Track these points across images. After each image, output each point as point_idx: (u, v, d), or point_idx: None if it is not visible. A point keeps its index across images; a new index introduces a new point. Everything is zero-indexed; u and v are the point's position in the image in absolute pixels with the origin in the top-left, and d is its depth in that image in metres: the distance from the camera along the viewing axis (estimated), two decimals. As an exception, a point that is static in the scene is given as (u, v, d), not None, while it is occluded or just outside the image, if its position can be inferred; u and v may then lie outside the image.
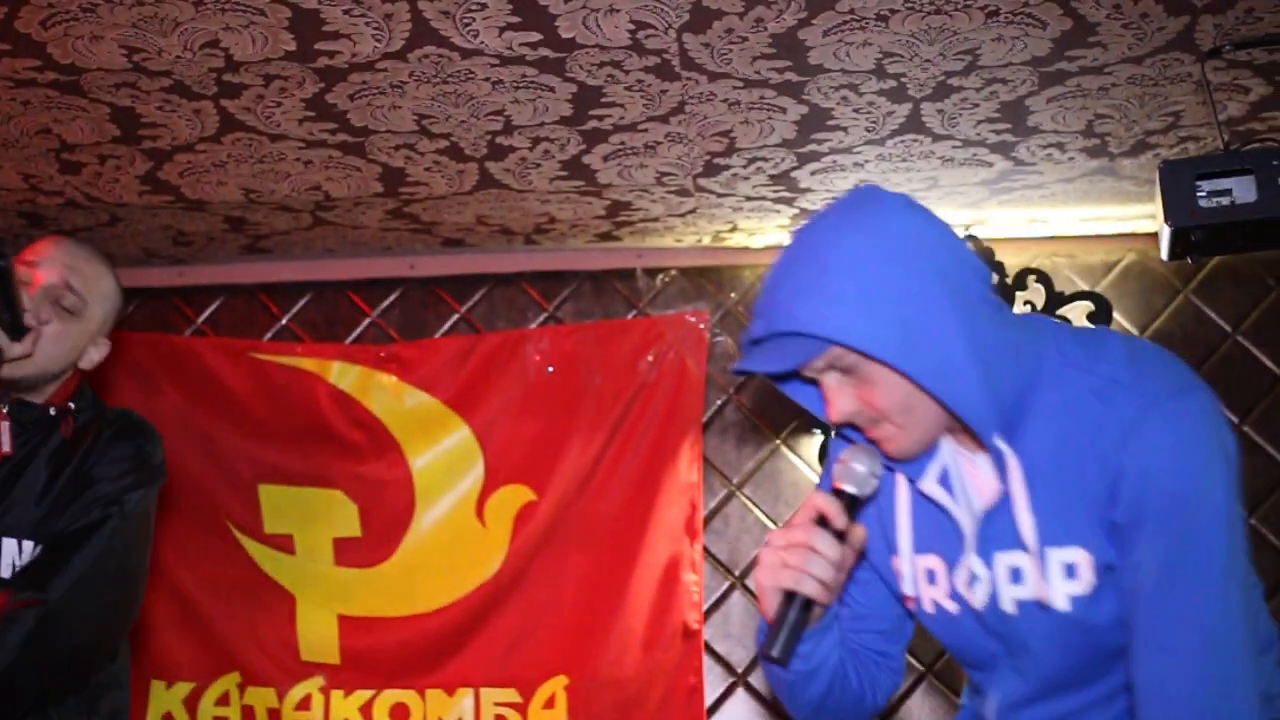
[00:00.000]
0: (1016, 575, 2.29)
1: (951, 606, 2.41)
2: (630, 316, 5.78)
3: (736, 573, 5.62)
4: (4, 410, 3.10)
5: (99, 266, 3.29)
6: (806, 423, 5.64)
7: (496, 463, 5.62)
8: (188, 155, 4.56)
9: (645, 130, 4.42)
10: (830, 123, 4.38)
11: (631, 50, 3.84)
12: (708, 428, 5.67)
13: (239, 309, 5.93)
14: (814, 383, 2.31)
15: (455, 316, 5.82)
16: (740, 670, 5.55)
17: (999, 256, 5.23)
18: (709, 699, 5.49)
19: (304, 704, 5.52)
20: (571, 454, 5.57)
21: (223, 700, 5.55)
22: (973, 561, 2.34)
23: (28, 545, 3.03)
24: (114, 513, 3.07)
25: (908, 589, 2.48)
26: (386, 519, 5.62)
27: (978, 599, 2.35)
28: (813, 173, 4.81)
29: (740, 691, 5.55)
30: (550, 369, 5.64)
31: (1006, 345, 2.19)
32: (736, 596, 5.61)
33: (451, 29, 3.67)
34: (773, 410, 5.72)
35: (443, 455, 5.65)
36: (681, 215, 5.30)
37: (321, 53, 3.80)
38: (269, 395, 5.74)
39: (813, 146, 4.57)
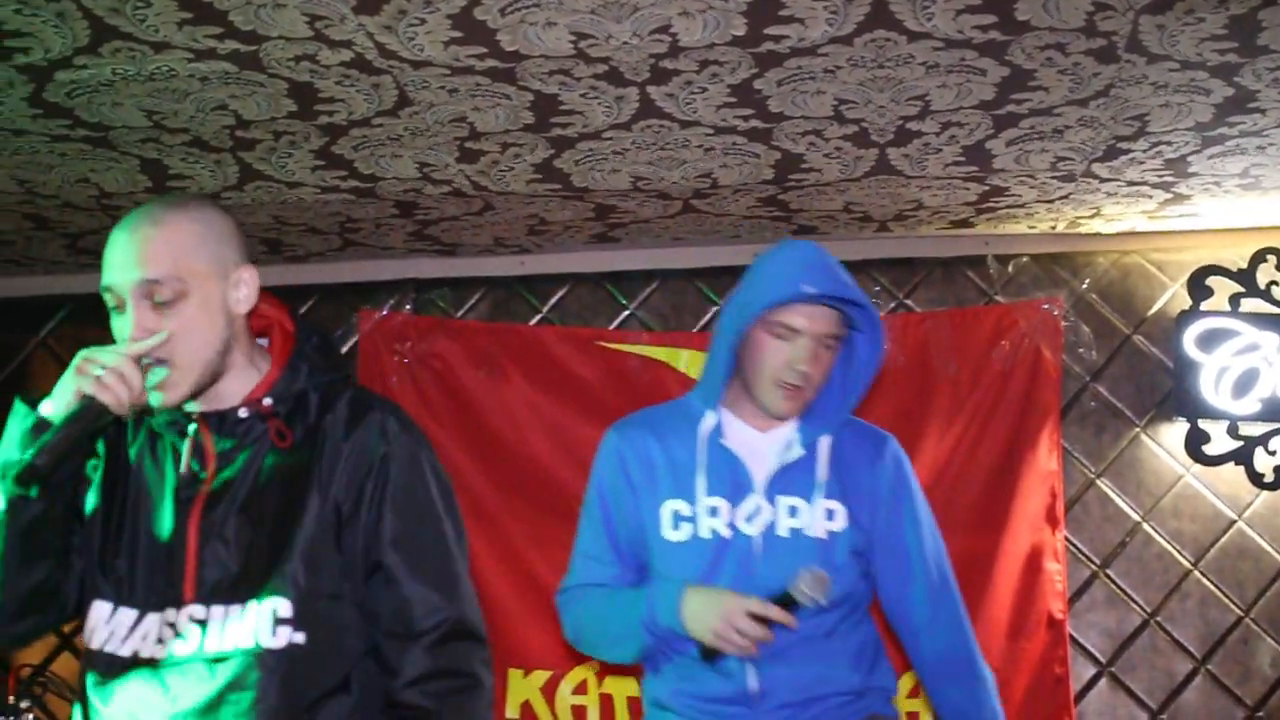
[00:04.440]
0: (793, 511, 3.24)
1: (725, 533, 3.23)
2: (982, 304, 5.70)
3: (1099, 562, 5.53)
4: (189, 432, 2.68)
5: (169, 224, 2.61)
6: (1168, 410, 5.55)
7: (851, 451, 5.58)
8: (590, 143, 4.56)
9: (1059, 114, 4.35)
10: (1252, 105, 4.29)
11: (1081, 33, 3.77)
12: (1064, 415, 5.59)
13: (584, 297, 5.96)
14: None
15: (803, 304, 5.77)
16: (1105, 660, 5.47)
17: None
18: (1074, 688, 5.40)
19: (581, 689, 5.56)
20: (928, 443, 5.53)
21: (580, 689, 5.58)
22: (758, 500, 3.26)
23: (263, 606, 2.59)
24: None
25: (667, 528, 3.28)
26: (743, 505, 5.60)
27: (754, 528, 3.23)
28: (1210, 156, 4.72)
29: (1105, 681, 5.47)
30: (902, 357, 5.58)
31: None
32: (1099, 586, 5.53)
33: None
34: (1131, 398, 5.64)
35: (796, 442, 5.61)
36: (1050, 201, 5.24)
37: (769, 38, 3.78)
38: (618, 384, 5.76)
39: (1223, 130, 4.48)
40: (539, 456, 5.64)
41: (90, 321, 5.94)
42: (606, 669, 5.51)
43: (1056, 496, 5.45)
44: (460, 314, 5.94)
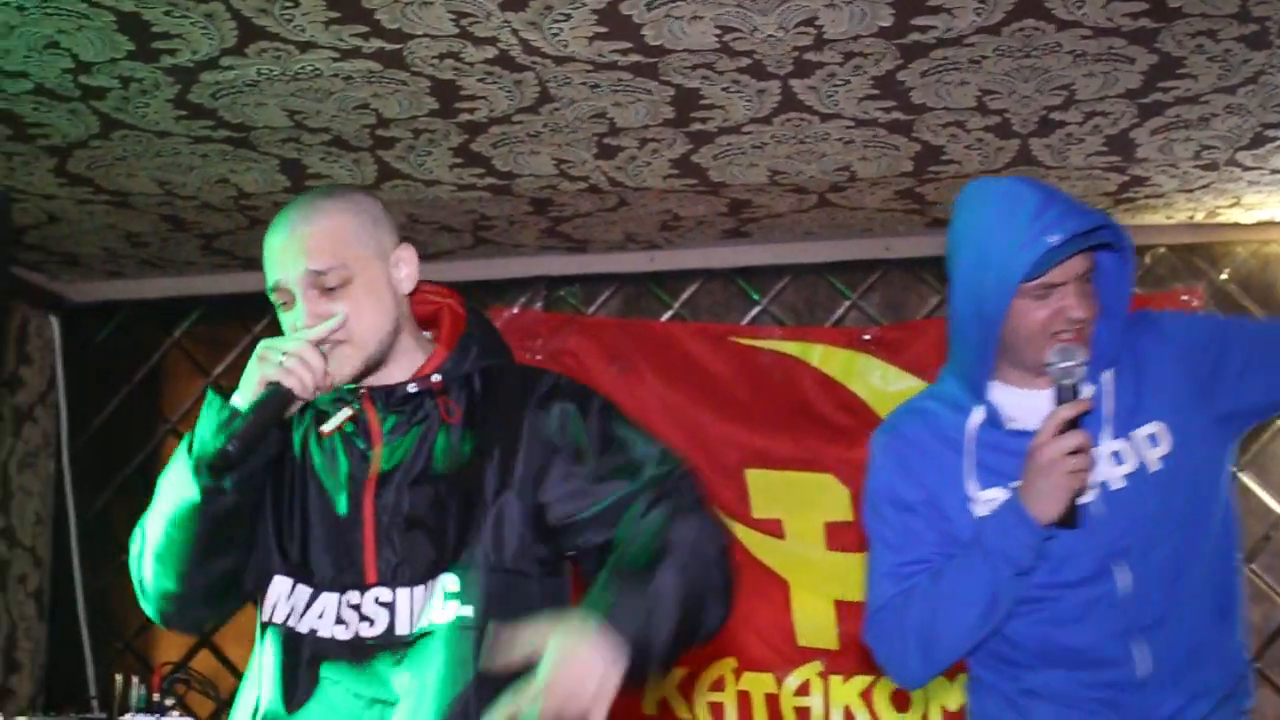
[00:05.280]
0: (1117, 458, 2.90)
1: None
2: (1119, 296, 5.63)
3: (1242, 556, 5.43)
4: (355, 412, 2.68)
5: (325, 214, 2.62)
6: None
7: (988, 445, 5.53)
8: (729, 137, 4.55)
9: (1206, 102, 4.29)
10: None
11: (1233, 19, 3.72)
12: (1205, 409, 5.50)
13: (715, 293, 5.94)
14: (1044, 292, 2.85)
15: (938, 299, 5.74)
16: (1251, 655, 5.35)
17: None
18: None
19: (803, 689, 5.50)
20: (1067, 436, 5.45)
21: (717, 685, 5.57)
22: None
23: (440, 584, 2.57)
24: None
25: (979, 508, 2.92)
26: (878, 503, 5.56)
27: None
28: (1364, 142, 4.65)
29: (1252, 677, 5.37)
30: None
31: None
32: (1243, 581, 5.41)
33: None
34: (1272, 391, 5.54)
35: (933, 438, 5.57)
36: (1191, 190, 5.17)
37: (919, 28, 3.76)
38: (752, 379, 5.74)
39: (1381, 117, 4.41)
40: None
41: (223, 322, 6.06)
42: (745, 665, 5.50)
43: (1197, 489, 5.36)
44: (591, 311, 5.95)
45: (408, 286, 2.69)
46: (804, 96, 4.23)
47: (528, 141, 4.58)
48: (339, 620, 2.58)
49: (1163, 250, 5.67)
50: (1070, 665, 2.94)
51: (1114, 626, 2.89)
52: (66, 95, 4.17)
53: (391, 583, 2.58)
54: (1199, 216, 5.52)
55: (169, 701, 5.02)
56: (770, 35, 3.80)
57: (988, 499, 2.91)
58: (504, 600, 2.57)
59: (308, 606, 2.62)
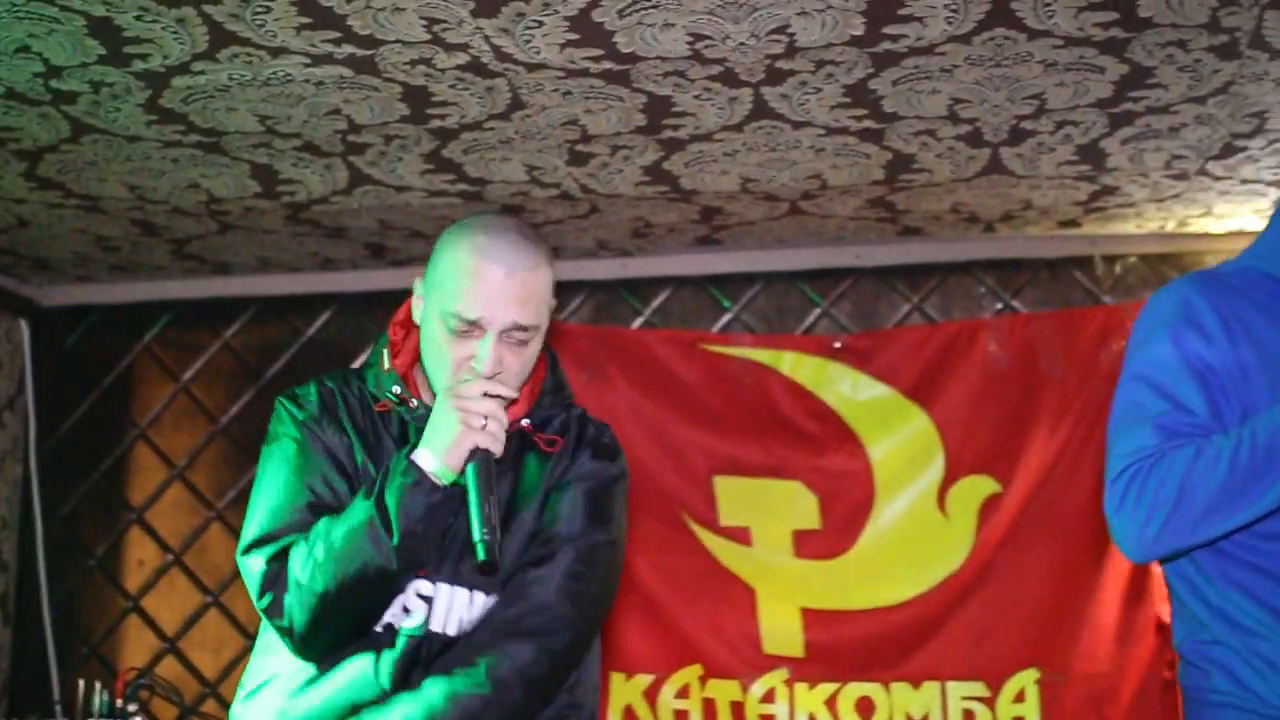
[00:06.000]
0: None
1: None
2: (1089, 305, 5.65)
3: (1208, 566, 5.46)
4: None
5: (541, 270, 2.74)
6: (1276, 413, 5.47)
7: (957, 453, 5.55)
8: (700, 144, 4.56)
9: (1177, 112, 4.31)
10: (1378, 103, 4.24)
11: (1204, 29, 3.74)
12: (1172, 418, 5.52)
13: (686, 300, 5.95)
14: None
15: (908, 307, 5.75)
16: (1216, 666, 5.39)
17: None
18: (1184, 694, 5.33)
19: (768, 697, 5.50)
20: (1035, 445, 5.48)
21: (683, 693, 5.56)
22: None
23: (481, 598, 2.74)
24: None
25: None
26: (846, 510, 5.59)
27: None
28: (1335, 154, 4.68)
29: (1215, 688, 5.38)
30: (1008, 359, 5.54)
31: None
32: (1209, 590, 5.45)
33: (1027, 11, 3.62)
34: (1240, 400, 5.56)
35: (902, 446, 5.60)
36: (1161, 200, 5.19)
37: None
38: (722, 387, 5.74)
39: (1346, 127, 4.43)
40: (642, 459, 5.61)
41: (194, 327, 6.05)
42: (710, 672, 5.50)
43: (1166, 499, 5.37)
44: (562, 317, 5.94)
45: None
46: (775, 104, 4.23)
47: (499, 148, 4.58)
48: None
49: (1133, 259, 5.69)
50: None
51: None
52: (37, 99, 4.15)
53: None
54: (1170, 226, 5.55)
55: (132, 707, 5.02)
56: (742, 43, 3.80)
57: None
58: None
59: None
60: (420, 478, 2.56)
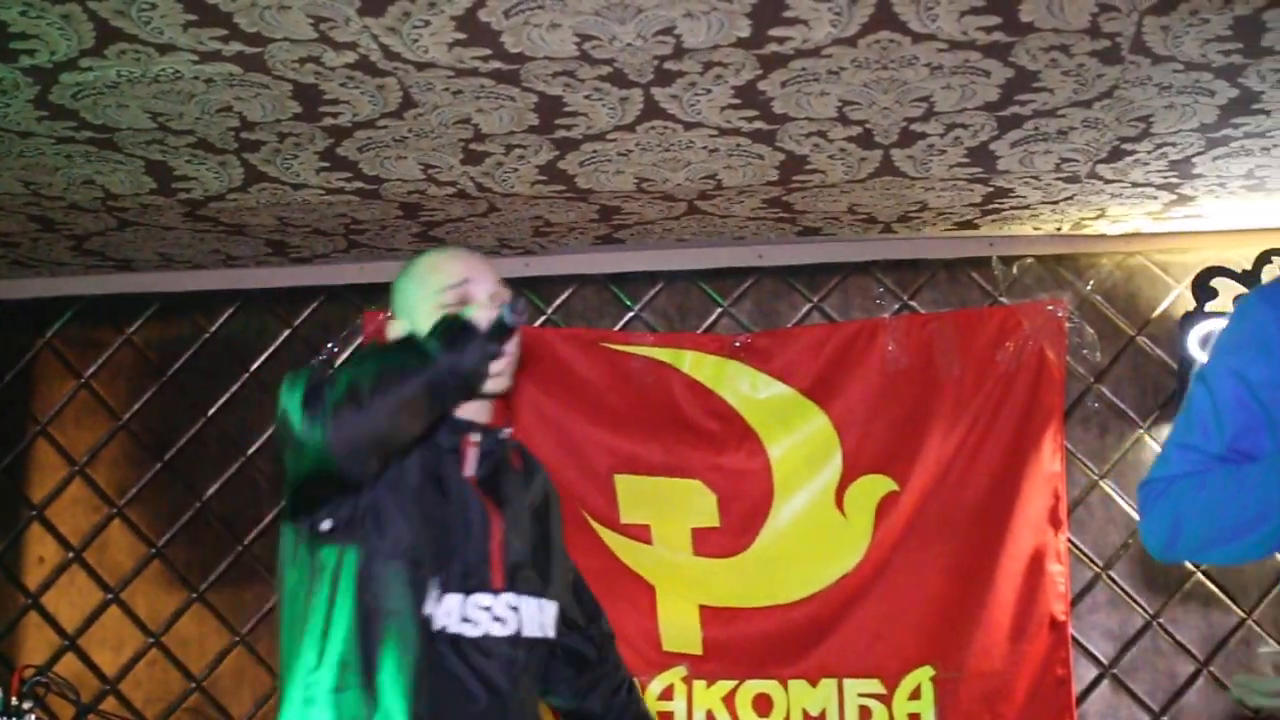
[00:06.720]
0: None
1: None
2: (986, 306, 5.71)
3: (1101, 564, 5.53)
4: (472, 438, 2.94)
5: None
6: (1171, 412, 5.55)
7: (855, 452, 5.59)
8: (594, 144, 4.58)
9: (1064, 116, 4.36)
10: (1256, 107, 4.29)
11: (1085, 34, 3.79)
12: (1068, 417, 5.59)
13: (589, 298, 5.96)
14: None
15: (808, 306, 5.79)
16: (1107, 662, 5.47)
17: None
18: (1076, 690, 5.40)
19: (666, 694, 5.51)
20: (932, 444, 5.52)
21: (666, 694, 5.56)
22: None
23: (549, 606, 3.02)
24: None
25: None
26: (745, 509, 5.61)
27: None
28: (1215, 158, 4.73)
29: (1107, 683, 5.46)
30: (906, 358, 5.58)
31: None
32: (1101, 588, 5.52)
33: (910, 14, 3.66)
34: (1135, 399, 5.64)
35: (801, 445, 5.62)
36: (1055, 202, 5.24)
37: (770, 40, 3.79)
38: (622, 386, 5.75)
39: (1227, 131, 4.49)
40: (544, 458, 5.49)
41: (96, 323, 6.01)
42: (695, 673, 5.54)
43: (1059, 498, 5.44)
44: (466, 315, 5.93)
45: None
46: (666, 105, 4.26)
47: (393, 146, 4.58)
48: (465, 619, 2.81)
49: (1030, 260, 5.75)
50: None
51: None
52: (-77, 94, 4.13)
53: (517, 589, 2.93)
54: (1065, 228, 5.61)
55: (27, 705, 4.97)
56: (629, 44, 3.82)
57: None
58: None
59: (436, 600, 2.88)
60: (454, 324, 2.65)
